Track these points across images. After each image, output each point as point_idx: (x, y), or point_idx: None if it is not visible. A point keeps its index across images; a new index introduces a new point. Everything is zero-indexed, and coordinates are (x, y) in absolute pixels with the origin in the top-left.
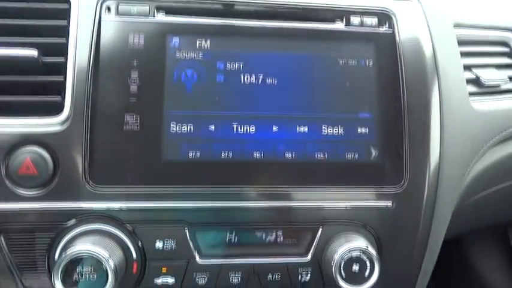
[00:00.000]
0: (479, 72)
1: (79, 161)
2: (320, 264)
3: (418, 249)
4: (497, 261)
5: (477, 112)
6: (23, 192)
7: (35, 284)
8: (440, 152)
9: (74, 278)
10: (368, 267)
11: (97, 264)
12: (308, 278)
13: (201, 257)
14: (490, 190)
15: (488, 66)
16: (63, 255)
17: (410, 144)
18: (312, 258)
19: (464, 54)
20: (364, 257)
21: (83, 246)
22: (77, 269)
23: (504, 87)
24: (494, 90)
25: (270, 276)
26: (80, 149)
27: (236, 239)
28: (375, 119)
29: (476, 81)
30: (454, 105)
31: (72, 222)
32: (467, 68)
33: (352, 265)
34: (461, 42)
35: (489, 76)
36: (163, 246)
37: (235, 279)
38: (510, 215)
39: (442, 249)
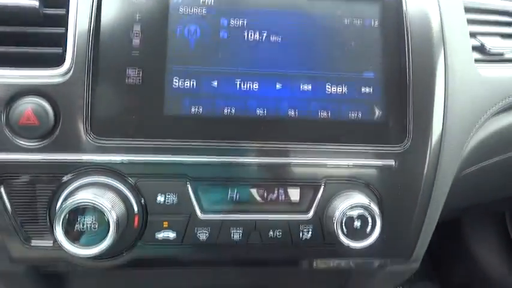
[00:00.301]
0: (484, 39)
1: (80, 113)
2: (321, 222)
3: (419, 211)
4: (495, 245)
5: (482, 77)
6: (23, 143)
7: (36, 236)
8: (444, 114)
9: (76, 228)
10: (370, 224)
11: (99, 215)
12: (309, 235)
13: (202, 212)
14: (489, 161)
15: (494, 35)
16: (65, 204)
17: (414, 104)
18: (313, 215)
19: (470, 22)
20: (366, 214)
21: (85, 196)
22: (78, 219)
23: (508, 56)
24: (498, 59)
25: (271, 232)
26: (82, 101)
27: (238, 196)
28: (379, 78)
29: (480, 49)
30: (459, 67)
31: (73, 174)
32: (472, 35)
33: (353, 221)
34: (467, 10)
35: (494, 44)
36: (164, 201)
37: (236, 235)
38: (508, 191)
39: (441, 235)
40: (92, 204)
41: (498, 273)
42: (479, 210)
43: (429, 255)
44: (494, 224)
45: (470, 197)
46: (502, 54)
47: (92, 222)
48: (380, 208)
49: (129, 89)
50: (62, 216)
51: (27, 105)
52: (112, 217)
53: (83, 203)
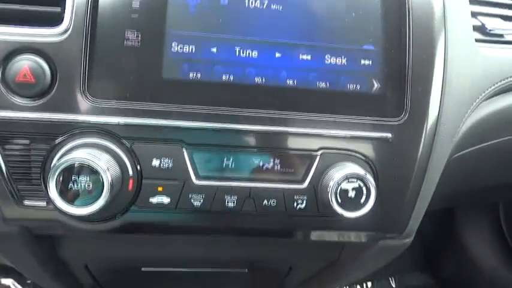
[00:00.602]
0: (485, 20)
1: (77, 73)
2: (316, 192)
3: (413, 186)
4: (488, 238)
5: (481, 55)
6: (19, 101)
7: (29, 197)
8: (442, 89)
9: (69, 187)
10: (364, 195)
11: (93, 175)
12: (304, 205)
13: (197, 178)
14: (483, 145)
15: (495, 16)
16: (60, 162)
17: (413, 78)
18: (308, 185)
19: (471, 1)
20: (361, 184)
21: (80, 155)
22: (72, 178)
23: (509, 38)
24: (498, 40)
25: (265, 201)
26: (79, 61)
27: (233, 163)
28: (378, 51)
29: (481, 29)
30: (459, 45)
31: (68, 134)
32: (473, 15)
33: (348, 191)
34: None
35: (494, 25)
36: (160, 165)
37: (230, 202)
38: (499, 178)
39: (434, 226)
40: (87, 164)
41: (489, 265)
42: (472, 199)
43: (422, 247)
44: (487, 216)
45: (462, 182)
46: (502, 36)
47: (86, 182)
48: (375, 180)
49: (127, 52)
50: (56, 174)
51: (24, 63)
52: (107, 178)
53: (77, 162)
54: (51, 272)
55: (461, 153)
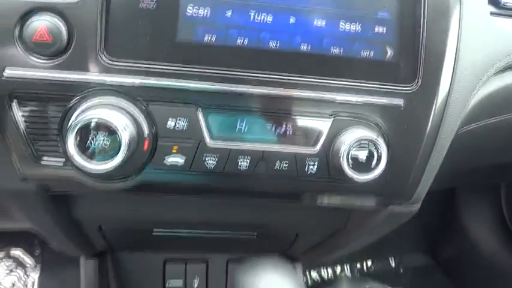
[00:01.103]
0: None
1: (94, 33)
2: (327, 156)
3: (423, 153)
4: (488, 221)
5: (496, 28)
6: (36, 60)
7: (47, 154)
8: (455, 59)
9: (87, 145)
10: (375, 158)
11: (110, 133)
12: (315, 168)
13: (211, 139)
14: (491, 120)
15: None
16: (77, 120)
17: (427, 47)
18: (320, 149)
19: None
20: (373, 148)
21: (98, 113)
22: (90, 136)
23: None
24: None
25: (277, 164)
26: (95, 21)
27: (247, 126)
28: (393, 19)
29: (495, 2)
30: (474, 16)
31: (84, 94)
32: None
33: (359, 155)
34: None
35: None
36: (175, 125)
37: (243, 164)
38: (506, 156)
39: (435, 208)
40: (104, 122)
41: (489, 248)
42: (475, 178)
43: (422, 228)
44: (488, 199)
45: (467, 159)
46: None
47: (104, 140)
48: (386, 146)
49: (142, 13)
50: (75, 131)
51: (42, 22)
52: (124, 136)
53: (95, 120)
54: (66, 233)
55: (469, 127)
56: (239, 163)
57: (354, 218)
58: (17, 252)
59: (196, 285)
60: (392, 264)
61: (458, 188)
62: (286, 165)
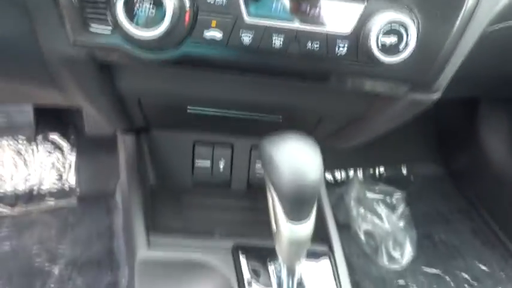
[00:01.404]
0: None
1: None
2: (358, 39)
3: (450, 43)
4: (506, 136)
5: None
6: None
7: (96, 21)
8: None
9: (134, 12)
10: (404, 41)
11: (156, 1)
12: (344, 50)
13: (248, 15)
14: None
15: None
16: None
17: None
18: (352, 31)
19: None
20: (403, 30)
21: None
22: (138, 3)
23: None
24: None
25: (309, 44)
26: None
27: (283, 4)
28: None
29: None
30: None
31: None
32: None
33: (389, 36)
34: None
35: None
36: (215, 0)
37: (277, 42)
38: None
39: (453, 117)
40: None
41: (502, 163)
42: (499, 88)
43: (438, 139)
44: (510, 115)
45: (492, 64)
46: None
47: (150, 7)
48: (416, 30)
49: None
50: None
51: None
52: (169, 4)
53: None
54: (110, 102)
55: (497, 26)
56: (273, 41)
57: (375, 105)
58: (54, 136)
59: (222, 166)
60: (404, 172)
61: (482, 102)
62: (318, 45)
